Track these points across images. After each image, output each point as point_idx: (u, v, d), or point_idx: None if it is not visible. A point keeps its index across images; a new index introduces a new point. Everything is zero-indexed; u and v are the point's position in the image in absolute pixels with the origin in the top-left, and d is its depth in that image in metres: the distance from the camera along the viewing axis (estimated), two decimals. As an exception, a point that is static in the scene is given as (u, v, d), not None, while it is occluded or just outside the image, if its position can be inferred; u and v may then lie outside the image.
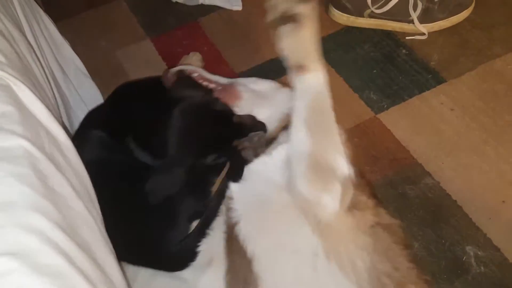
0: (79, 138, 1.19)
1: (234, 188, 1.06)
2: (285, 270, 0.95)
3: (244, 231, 1.00)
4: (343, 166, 0.96)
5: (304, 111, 0.99)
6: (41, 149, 0.75)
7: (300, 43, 1.00)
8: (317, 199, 0.94)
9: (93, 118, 1.29)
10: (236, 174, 1.08)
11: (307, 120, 0.98)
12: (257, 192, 1.03)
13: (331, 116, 0.99)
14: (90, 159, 1.02)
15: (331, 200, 0.94)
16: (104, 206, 0.93)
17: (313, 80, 0.99)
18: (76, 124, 1.38)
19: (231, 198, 1.05)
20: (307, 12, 0.99)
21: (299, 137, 0.98)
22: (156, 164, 1.16)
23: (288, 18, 0.98)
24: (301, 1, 0.98)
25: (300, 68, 0.99)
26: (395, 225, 1.02)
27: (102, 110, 1.31)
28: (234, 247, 1.01)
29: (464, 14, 1.71)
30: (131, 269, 1.11)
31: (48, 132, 0.82)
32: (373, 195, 1.05)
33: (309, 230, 0.94)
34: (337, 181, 0.94)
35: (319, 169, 0.95)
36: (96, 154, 1.16)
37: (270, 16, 0.99)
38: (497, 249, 1.23)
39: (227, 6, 1.88)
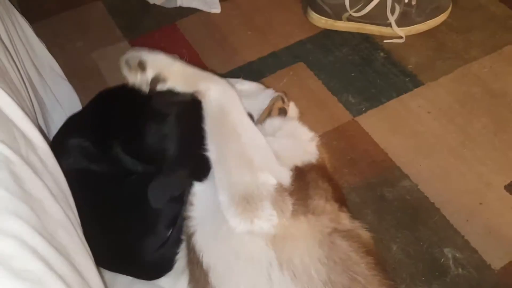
0: (57, 146, 1.14)
1: (195, 194, 1.04)
2: (240, 281, 0.93)
3: (199, 241, 0.98)
4: (266, 180, 0.95)
5: (211, 139, 1.00)
6: (17, 152, 0.74)
7: (179, 88, 1.03)
8: (250, 227, 0.93)
9: (72, 125, 1.25)
10: (201, 173, 1.07)
11: (215, 149, 0.99)
12: (213, 201, 1.00)
13: (237, 132, 0.99)
14: (69, 168, 1.01)
15: (264, 222, 0.93)
16: (83, 214, 0.92)
17: (208, 103, 1.01)
18: (53, 126, 1.36)
19: (191, 204, 1.03)
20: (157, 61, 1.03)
21: (214, 170, 0.99)
22: (145, 169, 1.14)
23: (154, 81, 1.03)
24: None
25: (197, 93, 1.02)
26: (356, 230, 1.00)
27: (82, 117, 1.27)
28: (192, 257, 0.99)
29: (441, 17, 1.73)
30: (109, 274, 1.10)
31: (24, 136, 0.80)
32: (337, 199, 1.02)
33: (262, 241, 0.93)
34: (264, 200, 0.93)
35: (241, 199, 0.93)
36: (75, 163, 1.14)
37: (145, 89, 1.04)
38: (475, 251, 1.23)
39: (205, 8, 1.87)
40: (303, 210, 0.95)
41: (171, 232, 1.08)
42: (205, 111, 1.01)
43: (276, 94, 1.22)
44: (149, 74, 1.02)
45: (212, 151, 1.00)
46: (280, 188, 0.95)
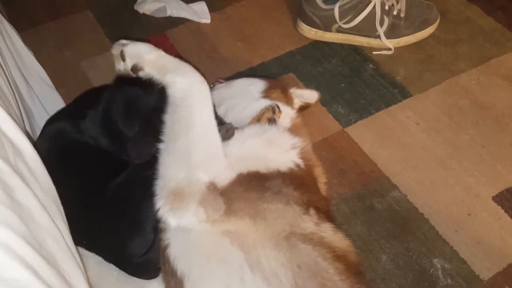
0: (40, 136, 1.21)
1: None
2: (214, 285, 0.94)
3: (173, 251, 0.99)
4: (199, 177, 0.97)
5: (166, 130, 1.02)
6: (6, 160, 0.73)
7: (155, 76, 1.07)
8: (178, 221, 0.96)
9: (54, 116, 1.28)
10: None
11: (165, 140, 1.01)
12: None
13: (188, 128, 1.00)
14: (51, 148, 1.11)
15: (190, 217, 0.95)
16: (68, 198, 0.94)
17: (171, 95, 1.03)
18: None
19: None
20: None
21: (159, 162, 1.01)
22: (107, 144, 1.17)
23: (134, 69, 1.08)
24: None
25: (165, 83, 1.05)
26: (322, 234, 0.99)
27: (63, 109, 1.33)
28: (167, 268, 1.00)
29: (429, 30, 1.75)
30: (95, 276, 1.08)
31: (13, 144, 0.80)
32: (306, 202, 1.02)
33: (229, 241, 0.94)
34: (191, 197, 0.95)
35: (170, 194, 0.96)
36: (58, 143, 1.17)
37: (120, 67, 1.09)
38: (464, 262, 1.24)
39: (195, 18, 1.87)
40: (249, 212, 0.96)
41: (155, 238, 1.08)
42: (168, 102, 1.03)
43: (269, 103, 1.23)
44: (128, 63, 1.07)
45: (163, 143, 1.01)
46: (212, 187, 0.97)
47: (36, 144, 1.14)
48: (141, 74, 1.06)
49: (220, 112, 1.22)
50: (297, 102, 1.44)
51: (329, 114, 1.58)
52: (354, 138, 1.51)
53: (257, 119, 1.19)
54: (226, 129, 1.09)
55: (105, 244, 1.12)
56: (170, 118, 1.02)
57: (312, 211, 1.01)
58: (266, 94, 1.31)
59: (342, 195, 1.37)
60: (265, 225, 0.96)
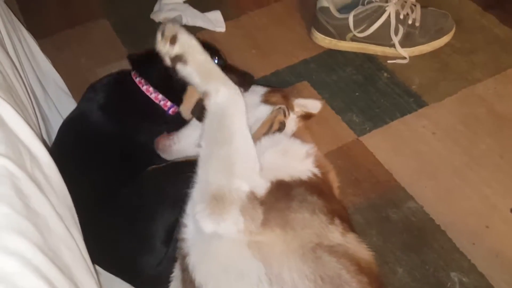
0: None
1: (188, 215, 1.03)
2: None
3: (192, 261, 0.98)
4: (240, 186, 0.96)
5: (204, 137, 1.02)
6: (23, 168, 0.73)
7: (192, 76, 1.06)
8: (216, 228, 0.94)
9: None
10: None
11: (204, 148, 1.01)
12: None
13: (231, 137, 1.00)
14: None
15: (229, 225, 0.94)
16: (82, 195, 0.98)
17: (213, 104, 1.03)
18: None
19: (185, 226, 1.02)
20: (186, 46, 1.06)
21: (198, 167, 1.01)
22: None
23: (176, 58, 1.06)
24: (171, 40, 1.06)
25: (204, 94, 1.04)
26: (347, 245, 0.97)
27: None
28: (185, 277, 0.99)
29: (445, 39, 1.74)
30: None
31: (30, 151, 0.80)
32: (331, 211, 1.01)
33: (251, 253, 0.93)
34: (233, 204, 0.94)
35: (210, 198, 0.95)
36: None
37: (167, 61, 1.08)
38: (482, 275, 1.22)
39: (210, 27, 1.88)
40: (279, 223, 0.95)
41: (167, 251, 1.08)
42: (208, 109, 1.03)
43: (277, 106, 1.21)
44: (175, 49, 1.05)
45: (202, 148, 1.01)
46: (252, 196, 0.96)
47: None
48: (179, 67, 1.05)
49: None
50: (298, 111, 1.41)
51: (343, 122, 1.57)
52: (368, 147, 1.49)
53: (270, 123, 1.17)
54: None
55: (115, 259, 1.12)
56: (211, 125, 1.02)
57: (337, 221, 0.99)
58: (266, 97, 1.28)
59: (356, 205, 1.36)
60: (293, 236, 0.94)
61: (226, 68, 1.26)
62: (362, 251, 0.99)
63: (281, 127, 1.17)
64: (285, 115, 1.19)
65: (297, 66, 1.75)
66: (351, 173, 1.44)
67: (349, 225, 1.03)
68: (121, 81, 1.33)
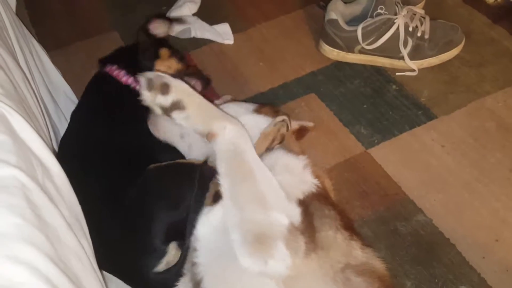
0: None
1: (198, 239, 1.01)
2: None
3: (207, 286, 0.95)
4: (279, 219, 0.92)
5: (225, 177, 0.97)
6: (34, 179, 0.74)
7: (193, 120, 1.00)
8: (263, 268, 0.89)
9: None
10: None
11: (229, 187, 0.97)
12: (219, 244, 0.97)
13: (252, 171, 0.97)
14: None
15: (278, 263, 0.89)
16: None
17: (223, 142, 0.99)
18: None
19: (196, 250, 1.00)
20: (180, 92, 0.99)
21: (226, 207, 0.97)
22: None
23: (172, 107, 0.99)
24: (165, 90, 0.98)
25: (210, 135, 1.00)
26: (370, 262, 0.95)
27: None
28: None
29: (454, 51, 1.73)
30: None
31: (41, 163, 0.81)
32: (346, 225, 0.99)
33: (273, 283, 0.90)
34: (277, 240, 0.89)
35: (254, 238, 0.90)
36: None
37: (157, 112, 1.00)
38: (491, 290, 1.20)
39: (218, 39, 1.89)
40: (313, 247, 0.92)
41: (177, 265, 1.08)
42: (217, 149, 0.99)
43: (279, 118, 1.16)
44: (171, 98, 0.98)
45: (226, 189, 0.97)
46: (292, 228, 0.92)
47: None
48: (176, 115, 0.99)
49: None
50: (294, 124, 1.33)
51: (351, 135, 1.56)
52: (377, 160, 1.49)
53: (272, 137, 1.13)
54: None
55: (117, 261, 1.13)
56: (228, 165, 0.98)
57: (355, 236, 0.97)
58: (257, 109, 1.26)
59: (364, 217, 1.35)
60: (323, 259, 0.91)
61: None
62: (379, 265, 0.97)
63: (282, 141, 1.15)
64: (287, 129, 1.16)
65: (305, 79, 1.75)
66: (359, 186, 1.43)
67: (360, 237, 1.02)
68: (99, 79, 1.40)
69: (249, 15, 2.00)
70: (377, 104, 1.65)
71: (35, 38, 1.47)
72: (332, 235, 0.95)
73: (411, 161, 1.48)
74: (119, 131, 1.27)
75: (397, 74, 1.73)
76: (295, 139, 1.28)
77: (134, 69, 1.27)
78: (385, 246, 1.29)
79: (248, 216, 0.93)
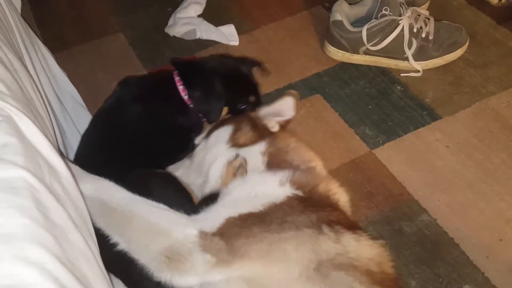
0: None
1: None
2: None
3: None
4: (187, 234, 0.97)
5: (112, 231, 1.01)
6: (42, 180, 0.75)
7: None
8: (196, 279, 0.95)
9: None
10: None
11: (121, 237, 1.01)
12: None
13: (129, 213, 1.02)
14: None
15: (202, 267, 0.94)
16: None
17: (87, 200, 1.00)
18: (71, 153, 1.38)
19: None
20: None
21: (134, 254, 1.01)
22: None
23: None
24: None
25: None
26: (345, 253, 0.95)
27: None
28: None
29: (458, 52, 1.74)
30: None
31: (48, 164, 0.81)
32: (311, 224, 0.99)
33: None
34: (192, 252, 0.95)
35: (171, 261, 0.95)
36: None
37: None
38: (495, 289, 1.21)
39: (224, 41, 1.90)
40: (259, 248, 0.95)
41: None
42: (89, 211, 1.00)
43: (233, 157, 1.21)
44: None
45: (121, 242, 1.01)
46: (203, 235, 0.97)
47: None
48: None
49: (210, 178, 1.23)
50: (274, 125, 1.35)
51: (356, 135, 1.57)
52: (382, 160, 1.49)
53: (231, 173, 1.18)
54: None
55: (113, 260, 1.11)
56: (103, 221, 1.02)
57: (325, 228, 0.98)
58: (233, 142, 1.27)
59: (369, 218, 1.36)
60: (288, 261, 0.93)
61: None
62: (367, 249, 0.98)
63: (242, 170, 1.18)
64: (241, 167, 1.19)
65: (310, 79, 1.76)
66: (364, 186, 1.44)
67: (344, 224, 1.01)
68: (161, 78, 1.41)
69: (254, 16, 2.01)
70: (382, 105, 1.66)
71: (40, 40, 1.48)
72: (294, 234, 0.96)
73: (415, 162, 1.49)
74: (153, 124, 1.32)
75: (401, 75, 1.73)
76: (289, 137, 1.29)
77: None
78: (390, 246, 1.27)
79: (154, 248, 0.97)
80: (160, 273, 0.96)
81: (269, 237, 0.95)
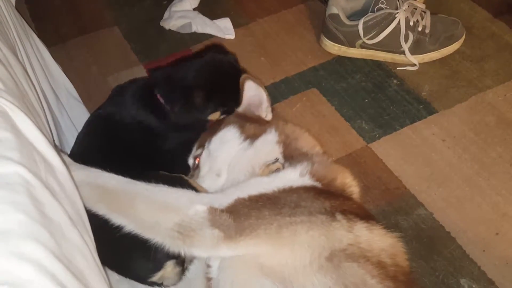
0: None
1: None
2: None
3: (215, 286, 1.00)
4: (195, 210, 0.98)
5: (116, 215, 1.02)
6: (37, 176, 0.74)
7: None
8: (206, 252, 0.99)
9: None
10: None
11: (127, 219, 1.01)
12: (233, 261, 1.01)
13: (133, 192, 1.03)
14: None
15: (211, 240, 0.95)
16: None
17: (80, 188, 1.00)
18: (67, 148, 1.37)
19: (210, 267, 1.04)
20: None
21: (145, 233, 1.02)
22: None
23: None
24: None
25: None
26: (361, 244, 0.95)
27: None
28: None
29: (455, 46, 1.73)
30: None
31: (44, 159, 0.81)
32: (325, 211, 0.98)
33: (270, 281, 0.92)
34: (203, 226, 0.96)
35: (182, 235, 0.97)
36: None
37: None
38: (492, 282, 1.21)
39: (219, 34, 1.89)
40: (269, 228, 0.95)
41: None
42: (84, 199, 0.97)
43: (271, 161, 1.19)
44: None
45: (127, 224, 1.01)
46: (213, 210, 0.98)
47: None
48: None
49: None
50: (268, 114, 1.32)
51: (352, 129, 1.57)
52: (378, 154, 1.49)
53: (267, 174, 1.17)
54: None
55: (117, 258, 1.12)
56: (105, 207, 1.02)
57: (339, 216, 0.98)
58: (246, 134, 1.23)
59: (366, 212, 1.36)
60: (299, 244, 0.93)
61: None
62: (379, 239, 0.98)
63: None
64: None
65: (307, 73, 1.75)
66: (361, 180, 1.41)
67: (358, 214, 1.01)
68: (145, 94, 1.38)
69: (250, 9, 2.00)
70: (378, 99, 1.65)
71: (35, 33, 1.47)
72: (307, 219, 0.96)
73: (412, 156, 1.49)
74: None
75: (398, 68, 1.73)
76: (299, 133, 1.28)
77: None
78: (387, 240, 1.30)
79: (165, 225, 0.98)
80: (177, 248, 0.97)
81: (280, 219, 0.96)
